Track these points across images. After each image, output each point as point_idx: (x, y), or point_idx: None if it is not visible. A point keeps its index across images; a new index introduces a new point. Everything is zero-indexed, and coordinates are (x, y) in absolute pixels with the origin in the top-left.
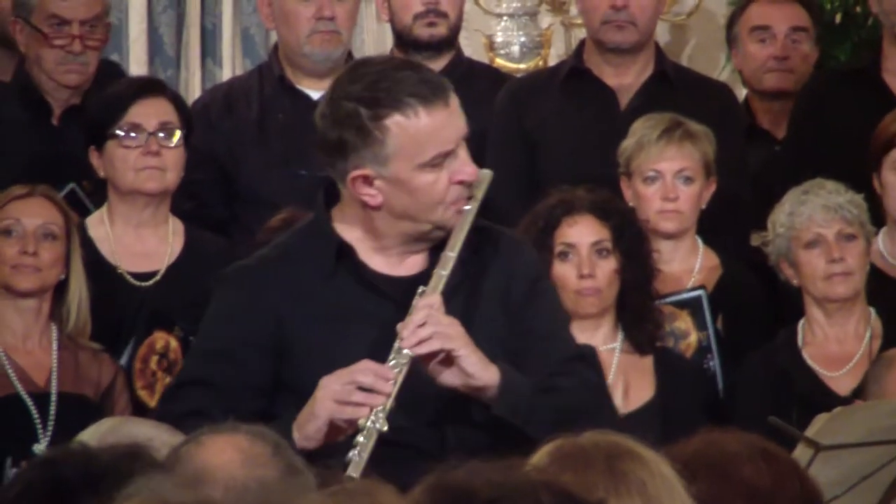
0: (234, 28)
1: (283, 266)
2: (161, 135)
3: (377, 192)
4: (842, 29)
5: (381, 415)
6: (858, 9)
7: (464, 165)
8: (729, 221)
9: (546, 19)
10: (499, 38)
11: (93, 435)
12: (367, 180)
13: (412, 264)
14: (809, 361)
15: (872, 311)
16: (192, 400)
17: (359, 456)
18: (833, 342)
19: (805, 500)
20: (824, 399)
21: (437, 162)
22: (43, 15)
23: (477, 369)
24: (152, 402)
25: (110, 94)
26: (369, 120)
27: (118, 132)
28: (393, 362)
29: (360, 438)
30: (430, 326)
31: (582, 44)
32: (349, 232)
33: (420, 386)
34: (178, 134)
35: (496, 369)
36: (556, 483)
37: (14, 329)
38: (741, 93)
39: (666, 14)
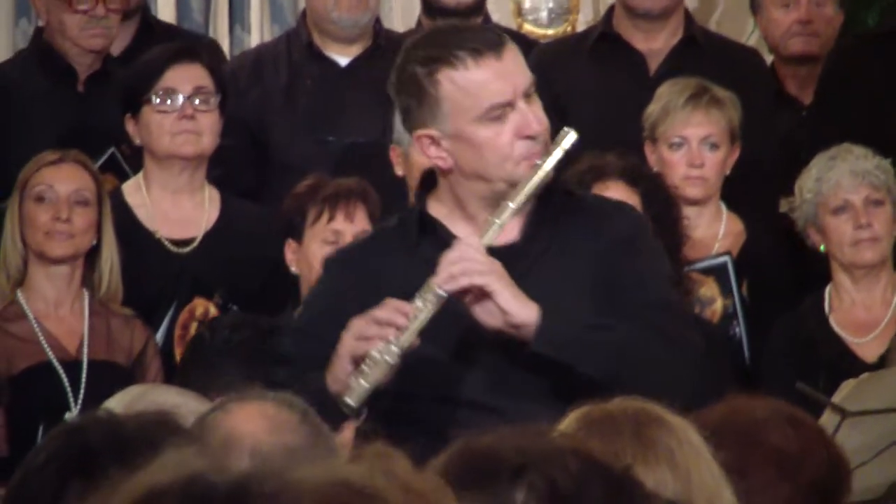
0: None
1: (374, 245)
2: (196, 100)
3: (446, 154)
4: None
5: (392, 347)
6: None
7: (527, 119)
8: (756, 187)
9: None
10: (527, 4)
11: (119, 402)
12: (434, 141)
13: (504, 233)
14: (836, 327)
15: None
16: (279, 376)
17: (357, 383)
18: (860, 308)
19: (832, 466)
20: (851, 365)
21: (494, 115)
22: None
23: (512, 305)
24: None
25: (145, 60)
26: (424, 78)
27: (153, 98)
28: (419, 301)
29: (364, 367)
30: (463, 263)
31: (611, 9)
32: (439, 207)
33: (476, 352)
34: (213, 98)
35: (535, 306)
36: (583, 449)
37: (46, 296)
38: (768, 59)
39: None
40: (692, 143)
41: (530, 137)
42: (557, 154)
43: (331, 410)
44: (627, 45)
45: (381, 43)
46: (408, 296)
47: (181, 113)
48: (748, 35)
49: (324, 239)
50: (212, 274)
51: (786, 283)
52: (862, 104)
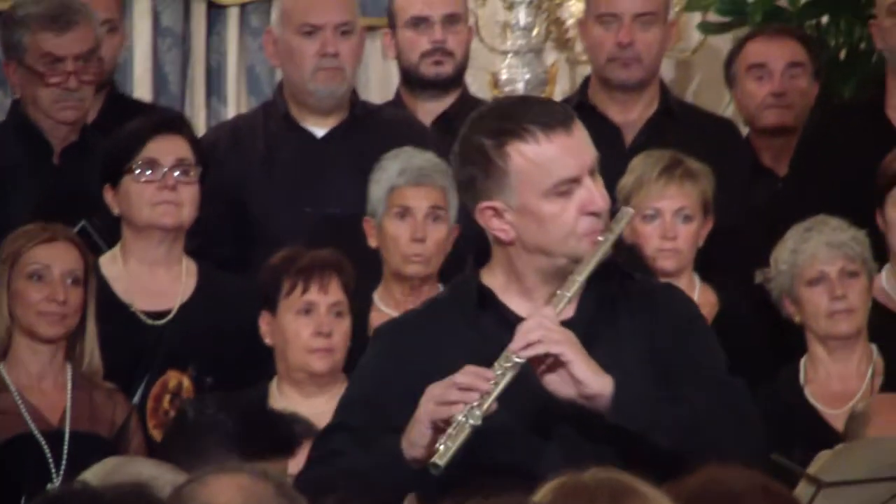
0: (240, 66)
1: (430, 317)
2: (178, 171)
3: (508, 227)
4: (846, 65)
5: (475, 411)
6: (863, 45)
7: (591, 195)
8: (731, 258)
9: (551, 56)
10: (504, 76)
11: (96, 474)
12: (498, 213)
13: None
14: (811, 398)
15: (874, 347)
16: (337, 444)
17: (444, 445)
18: (835, 379)
19: None
20: (826, 436)
21: (561, 190)
22: (36, 54)
23: (587, 375)
24: None
25: (127, 130)
26: (492, 150)
27: (135, 168)
28: (498, 369)
29: (450, 431)
30: (539, 331)
31: (587, 80)
32: (493, 279)
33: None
34: (194, 171)
35: (610, 378)
36: None
37: (29, 369)
38: (744, 131)
39: (671, 51)
40: (665, 216)
41: (595, 214)
42: (618, 231)
43: (399, 475)
44: (603, 117)
45: (358, 114)
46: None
47: (162, 184)
48: (725, 106)
49: (298, 310)
50: (187, 346)
51: (760, 354)
52: (837, 175)
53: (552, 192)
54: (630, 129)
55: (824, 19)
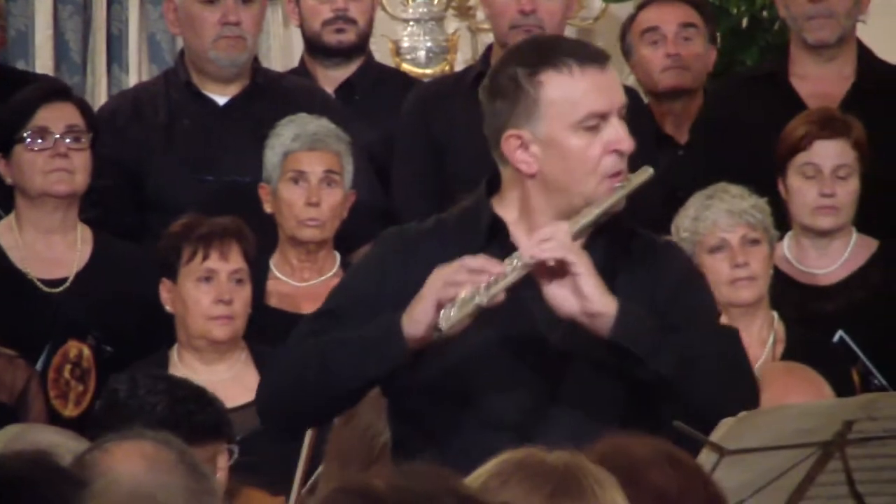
0: (141, 34)
1: (437, 236)
2: (68, 139)
3: (532, 159)
4: (748, 33)
5: (484, 290)
6: (765, 13)
7: (620, 134)
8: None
9: (452, 24)
10: (405, 43)
11: None
12: (523, 144)
13: None
14: None
15: (775, 315)
16: (319, 327)
17: (451, 311)
18: None
19: None
20: None
21: (590, 124)
22: None
23: (594, 291)
24: (66, 411)
25: (16, 100)
26: (525, 79)
27: (25, 137)
28: (507, 264)
29: (457, 300)
30: (555, 241)
31: (489, 49)
32: (505, 211)
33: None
34: (85, 137)
35: (614, 300)
36: (463, 490)
37: None
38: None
39: (573, 19)
40: None
41: (619, 153)
42: (635, 183)
43: (390, 350)
44: None
45: (260, 82)
46: None
47: (54, 151)
48: (625, 77)
49: (198, 278)
50: (85, 314)
51: None
52: (738, 143)
53: (580, 126)
54: None
55: None
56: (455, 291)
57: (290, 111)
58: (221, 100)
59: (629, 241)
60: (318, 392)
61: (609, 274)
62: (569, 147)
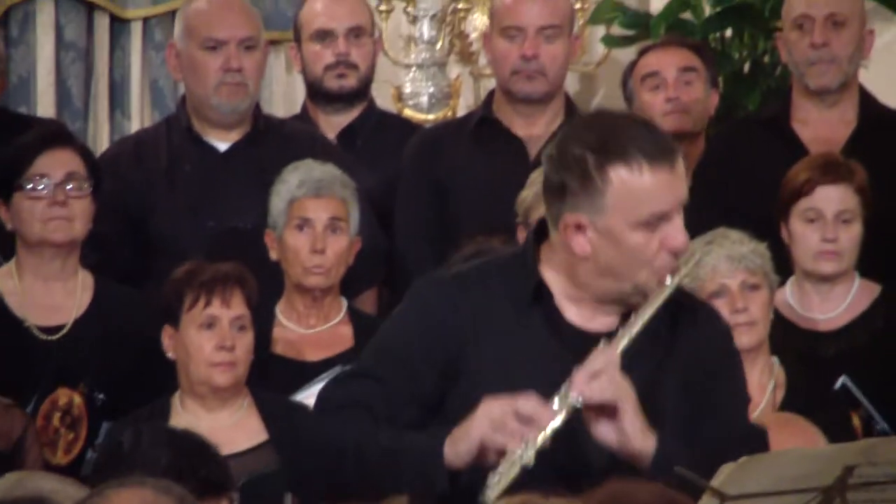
0: (143, 80)
1: (481, 290)
2: (69, 186)
3: (587, 243)
4: (750, 78)
5: (530, 449)
6: (767, 58)
7: (677, 233)
8: None
9: (455, 69)
10: (407, 89)
11: None
12: (580, 228)
13: (604, 322)
14: None
15: (776, 360)
16: (360, 390)
17: (497, 482)
18: None
19: None
20: None
21: (651, 221)
22: None
23: (636, 432)
24: (55, 459)
25: (16, 145)
26: (594, 167)
27: (25, 183)
28: (556, 404)
29: (502, 467)
30: (605, 378)
31: (491, 94)
32: (552, 277)
33: (578, 449)
34: (85, 184)
35: (654, 439)
36: None
37: None
38: None
39: (575, 64)
40: None
41: (675, 252)
42: (684, 272)
43: (429, 474)
44: (507, 131)
45: (261, 128)
46: (508, 357)
47: (52, 199)
48: None
49: (200, 324)
50: (79, 361)
51: None
52: (740, 187)
53: (641, 223)
54: (534, 143)
55: (728, 32)
56: (502, 440)
57: (292, 157)
58: (222, 146)
59: (671, 310)
60: (353, 480)
61: (650, 343)
62: (626, 242)
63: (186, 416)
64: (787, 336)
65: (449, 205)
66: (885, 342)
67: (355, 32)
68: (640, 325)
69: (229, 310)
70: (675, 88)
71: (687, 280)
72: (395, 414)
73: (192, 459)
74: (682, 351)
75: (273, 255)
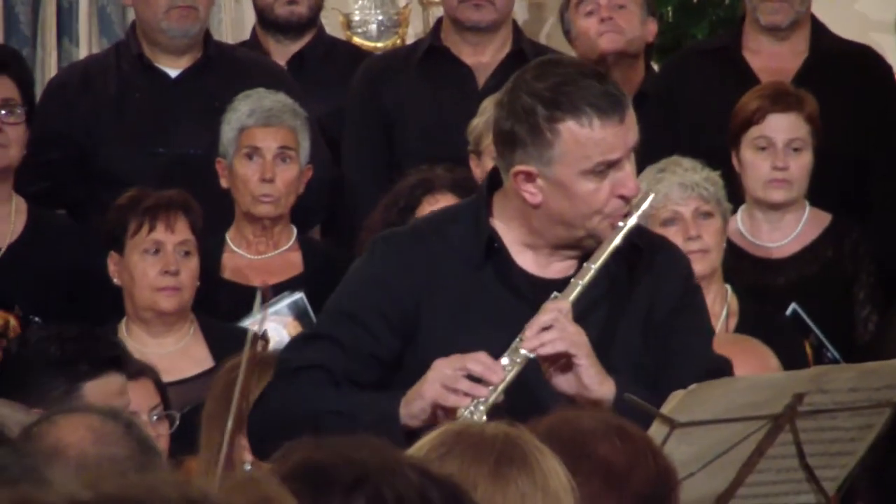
0: (91, 6)
1: (435, 245)
2: (2, 112)
3: (538, 192)
4: (699, 8)
5: (481, 407)
6: None
7: (627, 179)
8: None
9: None
10: (356, 17)
11: None
12: (530, 177)
13: (559, 268)
14: None
15: (729, 288)
16: (318, 353)
17: None
18: None
19: (660, 478)
20: None
21: (599, 170)
22: None
23: (594, 381)
24: None
25: None
26: (544, 120)
27: None
28: (507, 360)
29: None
30: (555, 330)
31: (439, 22)
32: (505, 223)
33: (535, 396)
34: (19, 110)
35: (613, 384)
36: (419, 464)
37: None
38: None
39: None
40: None
41: (624, 198)
42: (637, 215)
43: (386, 435)
44: (455, 59)
45: (212, 55)
46: (463, 313)
47: None
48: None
49: (144, 250)
50: (15, 284)
51: None
52: (689, 117)
53: (590, 172)
54: (482, 71)
55: None
56: (454, 401)
57: (243, 85)
58: (173, 72)
59: (630, 254)
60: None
61: (608, 287)
62: (576, 191)
63: (132, 342)
64: (737, 264)
65: (397, 134)
66: (835, 271)
67: None
68: (592, 274)
69: (174, 235)
70: (609, 9)
71: (641, 220)
72: (353, 374)
73: (79, 342)
74: (642, 294)
75: (223, 183)
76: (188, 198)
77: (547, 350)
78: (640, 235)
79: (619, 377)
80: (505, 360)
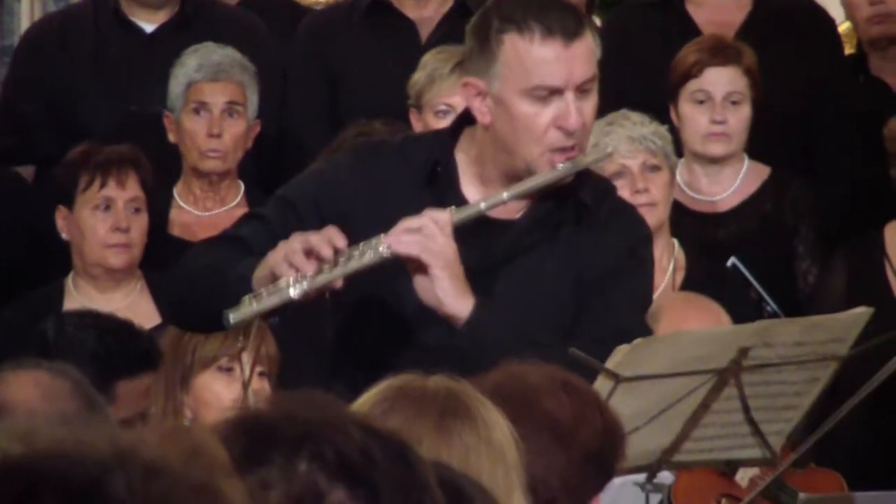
0: None
1: (392, 162)
2: None
3: (487, 111)
4: None
5: (304, 283)
6: None
7: (569, 112)
8: None
9: None
10: None
11: None
12: (481, 94)
13: (507, 210)
14: None
15: (676, 242)
16: (246, 228)
17: (248, 303)
18: None
19: (606, 432)
20: None
21: (539, 94)
22: None
23: (447, 294)
24: None
25: None
26: (494, 31)
27: None
28: (361, 247)
29: (265, 290)
30: (419, 234)
31: None
32: (465, 153)
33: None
34: None
35: (471, 303)
36: (364, 420)
37: None
38: None
39: None
40: (458, 111)
41: (565, 130)
42: (583, 164)
43: (237, 298)
44: (398, 13)
45: (189, 11)
46: (387, 228)
47: None
48: None
49: (95, 205)
50: None
51: None
52: (639, 70)
53: (529, 94)
54: (425, 26)
55: None
56: (286, 271)
57: (221, 40)
58: (149, 28)
59: (577, 210)
60: (199, 300)
61: (551, 227)
62: (515, 111)
63: (79, 297)
64: (678, 218)
65: (341, 88)
66: (775, 225)
67: None
68: (495, 200)
69: (124, 191)
70: None
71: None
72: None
73: (118, 337)
74: (581, 249)
75: (171, 138)
76: (139, 154)
77: (401, 249)
78: (602, 196)
79: (484, 303)
80: (359, 248)
